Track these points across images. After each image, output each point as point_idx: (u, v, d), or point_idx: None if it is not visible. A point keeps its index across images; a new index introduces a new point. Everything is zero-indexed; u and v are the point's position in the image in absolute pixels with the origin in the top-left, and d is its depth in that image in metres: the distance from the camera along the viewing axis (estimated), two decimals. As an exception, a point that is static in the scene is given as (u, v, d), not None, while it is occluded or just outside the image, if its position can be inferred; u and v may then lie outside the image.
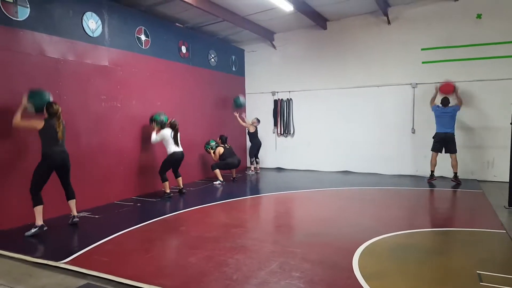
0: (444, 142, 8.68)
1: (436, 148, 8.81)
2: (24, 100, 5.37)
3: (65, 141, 5.62)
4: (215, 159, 9.50)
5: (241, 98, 10.90)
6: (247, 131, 11.25)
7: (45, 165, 5.39)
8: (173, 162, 7.90)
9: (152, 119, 7.87)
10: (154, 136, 7.76)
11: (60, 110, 5.50)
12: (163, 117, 7.94)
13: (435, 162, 8.85)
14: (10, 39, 5.61)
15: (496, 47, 8.78)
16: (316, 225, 5.65)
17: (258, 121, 11.20)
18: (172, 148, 7.78)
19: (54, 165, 5.48)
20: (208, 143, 9.63)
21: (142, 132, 7.97)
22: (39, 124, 5.35)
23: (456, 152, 8.64)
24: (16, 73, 5.66)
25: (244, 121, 11.06)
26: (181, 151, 7.92)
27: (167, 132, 7.76)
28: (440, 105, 8.78)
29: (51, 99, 5.59)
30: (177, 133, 7.87)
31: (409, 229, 5.34)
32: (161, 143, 7.89)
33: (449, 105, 8.73)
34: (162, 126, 7.88)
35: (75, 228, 5.61)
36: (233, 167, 9.73)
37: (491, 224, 5.48)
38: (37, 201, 5.31)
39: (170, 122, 7.88)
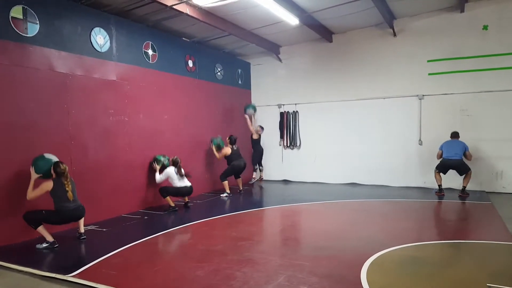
0: (452, 168, 8.52)
1: (440, 169, 8.67)
2: (32, 172, 5.39)
3: (77, 196, 5.62)
4: (218, 156, 9.47)
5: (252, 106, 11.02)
6: (250, 137, 11.15)
7: (58, 218, 5.41)
8: (179, 194, 7.97)
9: (154, 159, 7.97)
10: (158, 176, 7.80)
11: (67, 169, 5.49)
12: (164, 159, 8.03)
13: (439, 177, 8.75)
14: (20, 55, 5.70)
15: (503, 58, 8.77)
16: (324, 238, 5.62)
17: (262, 128, 11.22)
18: (178, 183, 7.82)
19: (68, 220, 5.52)
20: (212, 140, 9.60)
21: (150, 146, 8.02)
22: (48, 186, 5.33)
23: (469, 170, 8.41)
24: (26, 88, 5.74)
25: (251, 124, 10.98)
26: (189, 186, 7.94)
27: (171, 170, 7.82)
28: (449, 139, 8.74)
29: (55, 159, 5.54)
30: (181, 169, 7.88)
31: (418, 241, 5.29)
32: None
33: (459, 139, 8.66)
34: (163, 166, 7.96)
35: (83, 242, 5.64)
36: (239, 171, 9.73)
37: (501, 236, 5.42)
38: (36, 224, 5.28)
39: (172, 159, 7.97)
